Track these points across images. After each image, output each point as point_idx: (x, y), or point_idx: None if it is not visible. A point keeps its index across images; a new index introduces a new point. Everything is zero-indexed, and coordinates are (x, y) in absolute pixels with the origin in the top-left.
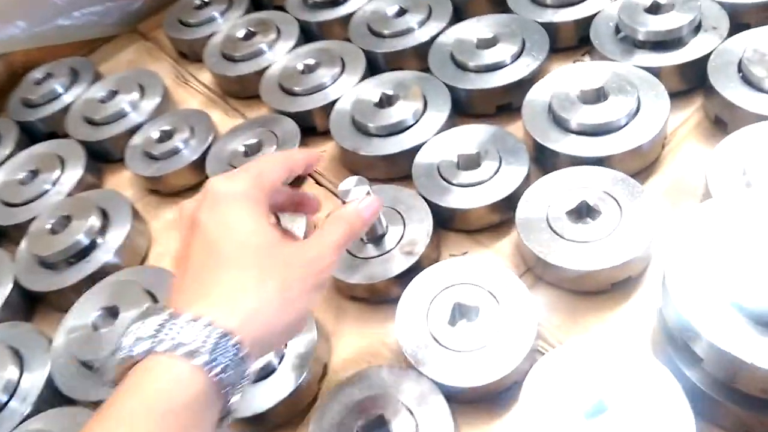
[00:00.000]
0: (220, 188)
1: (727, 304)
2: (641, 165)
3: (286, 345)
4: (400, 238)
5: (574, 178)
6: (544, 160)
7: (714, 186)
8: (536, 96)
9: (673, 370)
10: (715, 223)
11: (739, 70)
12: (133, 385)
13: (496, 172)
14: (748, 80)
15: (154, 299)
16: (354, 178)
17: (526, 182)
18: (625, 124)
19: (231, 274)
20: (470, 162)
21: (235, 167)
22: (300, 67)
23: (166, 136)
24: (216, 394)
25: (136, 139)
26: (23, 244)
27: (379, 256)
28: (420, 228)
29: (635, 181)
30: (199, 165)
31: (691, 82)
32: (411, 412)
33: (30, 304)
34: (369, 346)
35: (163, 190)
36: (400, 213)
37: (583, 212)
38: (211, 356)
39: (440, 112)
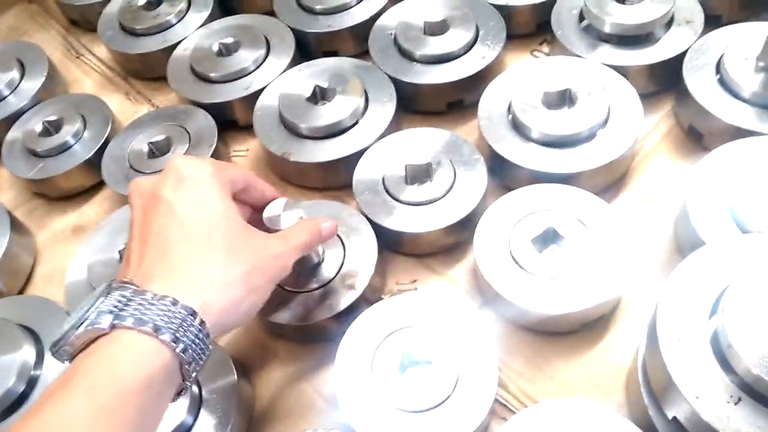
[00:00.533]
0: (186, 168)
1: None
2: (610, 180)
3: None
4: (340, 268)
5: (539, 198)
6: (502, 173)
7: (697, 219)
8: (493, 96)
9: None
10: (711, 275)
11: (717, 72)
12: (97, 356)
13: (450, 189)
14: (727, 86)
15: (36, 339)
16: (281, 201)
17: (485, 200)
18: (595, 135)
19: (199, 254)
20: (420, 174)
21: (138, 171)
22: (216, 47)
23: (52, 128)
24: (177, 370)
25: (15, 132)
26: None
27: (315, 289)
28: (363, 257)
29: (606, 203)
30: (94, 163)
31: (662, 83)
32: None
33: None
34: (300, 397)
35: (50, 194)
36: (339, 237)
37: (549, 239)
38: (175, 334)
39: (384, 110)
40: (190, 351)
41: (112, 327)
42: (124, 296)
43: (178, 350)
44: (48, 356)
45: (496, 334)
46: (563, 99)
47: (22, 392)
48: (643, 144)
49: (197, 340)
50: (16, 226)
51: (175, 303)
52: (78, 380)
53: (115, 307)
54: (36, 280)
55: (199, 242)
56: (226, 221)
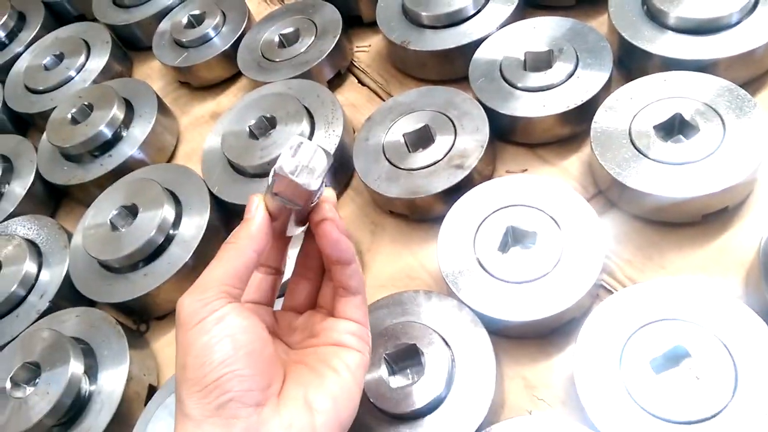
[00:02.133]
0: (183, 312)
1: None
2: (753, 73)
3: None
4: (450, 149)
5: (669, 86)
6: (631, 63)
7: None
8: None
9: None
10: None
11: None
12: None
13: (570, 75)
14: None
15: (176, 199)
16: (294, 143)
17: (607, 89)
18: (738, 22)
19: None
20: (540, 61)
21: (269, 60)
22: None
23: (195, 21)
24: None
25: (164, 25)
26: (45, 134)
27: (424, 167)
28: (473, 139)
29: (746, 92)
30: (231, 55)
31: None
32: (447, 344)
33: (53, 197)
34: (406, 268)
35: (193, 83)
36: (451, 120)
37: (675, 127)
38: None
39: (507, 2)
40: None
41: None
42: None
43: None
44: (185, 217)
45: (608, 222)
46: None
47: (160, 245)
48: None
49: None
50: (162, 109)
51: None
52: None
53: None
54: (178, 156)
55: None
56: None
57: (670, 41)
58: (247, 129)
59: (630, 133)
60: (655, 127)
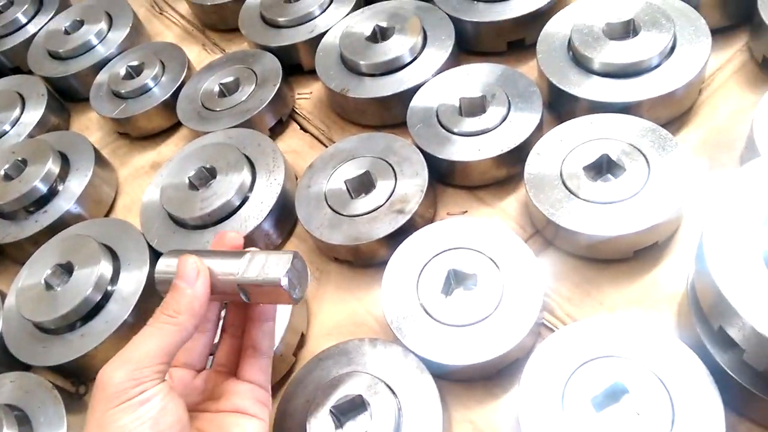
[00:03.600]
0: (97, 383)
1: None
2: (674, 113)
3: None
4: (391, 194)
5: (595, 128)
6: (560, 107)
7: (762, 141)
8: (554, 29)
9: (703, 356)
10: (764, 187)
11: None
12: None
13: (503, 120)
14: None
15: (113, 254)
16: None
17: (539, 132)
18: (658, 65)
19: None
20: (474, 107)
21: (209, 109)
22: None
23: (134, 72)
24: None
25: (102, 76)
26: None
27: (366, 213)
28: (413, 183)
29: (667, 131)
30: (171, 105)
31: (736, 16)
32: (393, 393)
33: None
34: (352, 315)
35: (132, 134)
36: (391, 165)
37: (603, 168)
38: None
39: (442, 48)
40: None
41: None
42: None
43: None
44: (124, 272)
45: (546, 260)
46: (627, 30)
47: (98, 303)
48: (713, 78)
49: None
50: (100, 160)
51: None
52: None
53: None
54: (117, 209)
55: None
56: None
57: (596, 85)
58: (187, 180)
59: (561, 175)
60: (584, 168)
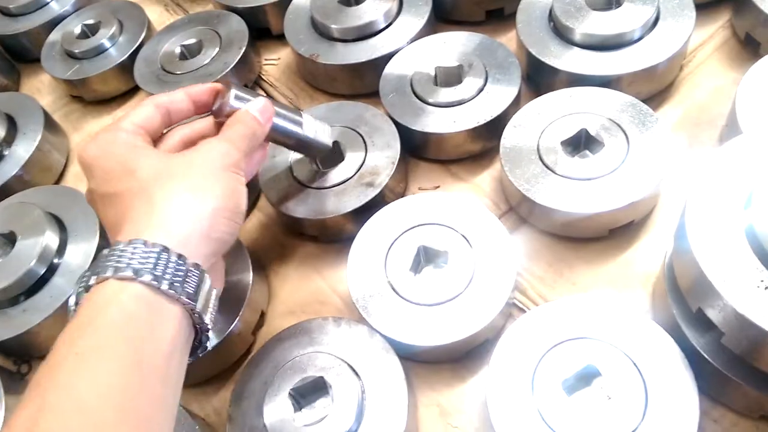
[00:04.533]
0: (104, 129)
1: (761, 265)
2: (654, 88)
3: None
4: (360, 166)
5: (575, 101)
6: (539, 79)
7: (744, 119)
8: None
9: (678, 339)
10: (747, 165)
11: None
12: (89, 309)
13: (480, 91)
14: None
15: (61, 225)
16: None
17: (516, 104)
18: (640, 38)
19: (149, 207)
20: (450, 77)
21: (169, 72)
22: None
23: (90, 31)
24: (168, 304)
25: (55, 35)
26: None
27: (333, 186)
28: (384, 155)
29: (648, 107)
30: (128, 67)
31: None
32: (357, 374)
33: None
34: (317, 292)
35: (86, 97)
36: (361, 135)
37: (581, 143)
38: (154, 272)
39: (418, 15)
40: (175, 284)
41: (105, 279)
42: (112, 251)
43: (162, 286)
44: (71, 244)
45: (519, 238)
46: (610, 0)
47: (42, 276)
48: (694, 54)
49: (179, 273)
50: (50, 125)
51: (146, 245)
52: (92, 330)
53: (107, 260)
54: (68, 177)
55: (129, 192)
56: (159, 165)
57: (576, 57)
58: None
59: (538, 149)
60: (562, 143)
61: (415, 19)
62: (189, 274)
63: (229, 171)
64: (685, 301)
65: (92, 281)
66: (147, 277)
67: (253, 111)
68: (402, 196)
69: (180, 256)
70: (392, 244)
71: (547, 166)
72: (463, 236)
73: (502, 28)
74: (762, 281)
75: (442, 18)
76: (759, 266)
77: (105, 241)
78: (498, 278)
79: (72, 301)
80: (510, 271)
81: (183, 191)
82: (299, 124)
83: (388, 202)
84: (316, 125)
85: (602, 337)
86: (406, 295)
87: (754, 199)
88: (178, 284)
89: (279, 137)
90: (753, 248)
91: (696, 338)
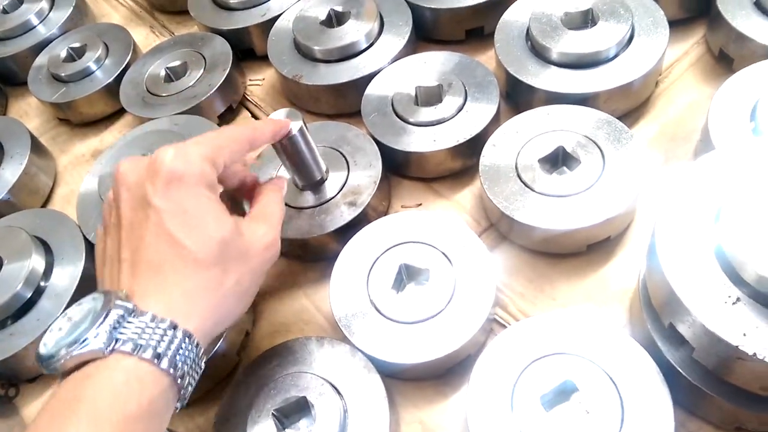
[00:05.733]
0: (174, 167)
1: (729, 281)
2: (631, 105)
3: None
4: (343, 186)
5: (552, 119)
6: (518, 97)
7: (716, 134)
8: (512, 18)
9: (654, 353)
10: (717, 181)
11: None
12: (98, 382)
13: (460, 110)
14: (763, 8)
15: (47, 248)
16: (283, 111)
17: (496, 122)
18: (615, 56)
19: (195, 274)
20: (430, 96)
21: (154, 94)
22: None
23: (76, 54)
24: (175, 394)
25: (42, 58)
26: None
27: (317, 206)
28: (366, 175)
29: (623, 124)
30: (114, 90)
31: (694, 9)
32: (339, 393)
33: None
34: (301, 311)
35: (73, 120)
36: (344, 155)
37: (558, 160)
38: (174, 360)
39: (399, 35)
40: (187, 377)
41: (111, 351)
42: (122, 317)
43: (177, 377)
44: (57, 267)
45: (500, 255)
46: (585, 19)
47: (29, 299)
48: (670, 71)
49: (194, 365)
50: (37, 148)
51: (172, 327)
52: (81, 407)
53: (114, 328)
54: (55, 199)
55: (191, 258)
56: (217, 231)
57: (553, 76)
58: None
59: (516, 167)
60: (539, 161)
61: (396, 38)
62: (191, 353)
63: (268, 266)
64: (659, 316)
65: (90, 347)
66: (149, 353)
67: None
68: (385, 214)
69: (188, 336)
70: (374, 263)
71: (525, 184)
72: (444, 254)
73: (481, 47)
74: (729, 297)
75: (422, 37)
76: (726, 282)
77: (91, 264)
78: (478, 295)
79: (63, 355)
80: (490, 288)
81: (229, 283)
82: (315, 154)
83: (371, 221)
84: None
85: (580, 352)
86: (387, 314)
87: (722, 216)
88: (180, 363)
89: (293, 152)
90: (720, 264)
91: (670, 353)
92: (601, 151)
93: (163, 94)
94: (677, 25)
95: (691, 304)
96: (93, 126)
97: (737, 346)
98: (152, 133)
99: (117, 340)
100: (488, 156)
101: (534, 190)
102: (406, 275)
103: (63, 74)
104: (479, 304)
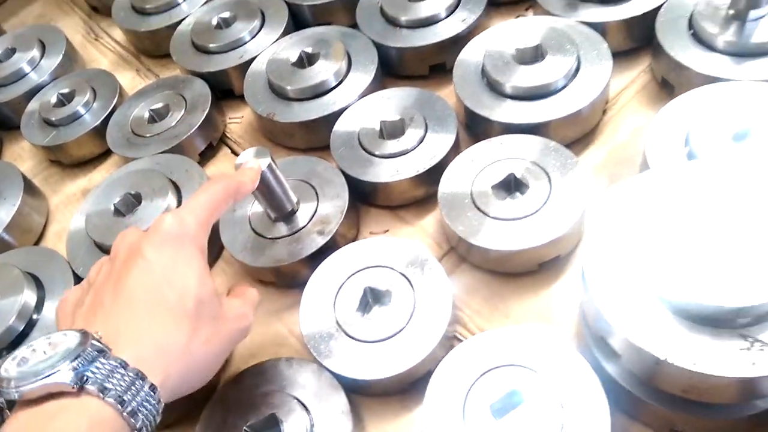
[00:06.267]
0: (171, 228)
1: (652, 295)
2: (580, 132)
3: None
4: (312, 216)
5: (504, 148)
6: (476, 128)
7: (653, 158)
8: (469, 56)
9: (594, 364)
10: (646, 203)
11: (690, 26)
12: (60, 421)
13: (420, 141)
14: (699, 38)
15: (38, 283)
16: (252, 150)
17: (455, 152)
18: (563, 87)
19: (167, 324)
20: (394, 130)
21: (138, 135)
22: (215, 21)
23: (65, 99)
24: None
25: (33, 104)
26: None
27: (288, 235)
28: (334, 205)
29: (569, 151)
30: (102, 131)
31: (639, 39)
32: (307, 410)
33: None
34: (276, 336)
35: (64, 161)
36: (313, 187)
37: (511, 186)
38: (136, 407)
39: (365, 72)
40: (144, 429)
41: (79, 389)
42: (95, 356)
43: (136, 427)
44: (48, 301)
45: (459, 276)
46: (535, 55)
47: (22, 331)
48: (617, 99)
49: (153, 417)
50: (30, 189)
51: (141, 377)
52: None
53: (85, 366)
54: (48, 236)
55: (169, 308)
56: (197, 289)
57: (507, 108)
58: (113, 207)
59: (472, 194)
60: (492, 187)
61: (364, 75)
62: (153, 407)
63: (239, 336)
64: (592, 329)
65: (57, 378)
66: (113, 398)
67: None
68: (354, 241)
69: (153, 389)
70: (341, 287)
71: (479, 209)
72: (406, 277)
73: (444, 82)
74: (649, 310)
75: (389, 73)
76: (647, 296)
77: None
78: (436, 314)
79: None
80: (447, 307)
81: (198, 341)
82: (285, 187)
83: (340, 247)
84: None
85: (528, 364)
86: (353, 334)
87: (643, 240)
88: (141, 415)
89: (263, 186)
90: (641, 282)
91: (608, 364)
92: (548, 176)
93: (147, 135)
94: (625, 54)
95: (612, 319)
96: (82, 166)
97: (651, 353)
98: (135, 173)
99: (87, 379)
100: (446, 185)
101: (488, 215)
102: (371, 297)
103: (54, 119)
104: (437, 323)
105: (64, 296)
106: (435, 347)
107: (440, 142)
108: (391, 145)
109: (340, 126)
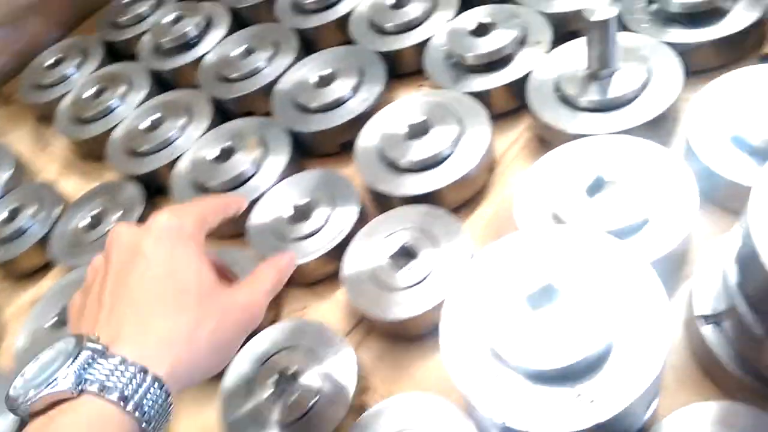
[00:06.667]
0: (168, 224)
1: (495, 357)
2: (471, 192)
3: None
4: None
5: (399, 220)
6: (379, 202)
7: (520, 220)
8: (367, 136)
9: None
10: (503, 266)
11: (556, 89)
12: (57, 425)
13: (327, 221)
14: (563, 98)
15: None
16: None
17: (360, 225)
18: (449, 155)
19: (170, 319)
20: (303, 213)
21: (78, 243)
22: (145, 124)
23: (11, 216)
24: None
25: None
26: None
27: None
28: None
29: (452, 216)
30: (46, 243)
31: (519, 100)
32: None
33: None
34: (204, 427)
35: (14, 274)
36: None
37: (405, 255)
38: (140, 402)
39: (281, 155)
40: (153, 422)
41: (80, 392)
42: (92, 357)
43: (143, 421)
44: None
45: (368, 345)
46: (424, 129)
47: None
48: (503, 157)
49: (161, 410)
50: None
51: (143, 371)
52: None
53: (83, 369)
54: (2, 352)
55: (170, 301)
56: (198, 281)
57: (403, 182)
58: (53, 319)
59: (371, 268)
60: (389, 258)
61: (279, 158)
62: (159, 398)
63: (247, 326)
64: None
65: (59, 387)
66: (115, 396)
67: (289, 257)
68: (274, 322)
69: (158, 381)
70: (259, 371)
71: (378, 284)
72: (316, 354)
73: (349, 160)
74: (497, 375)
75: (304, 153)
76: (492, 362)
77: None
78: (342, 387)
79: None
80: (352, 379)
81: (203, 333)
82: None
83: (263, 329)
84: None
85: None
86: (265, 418)
87: (491, 299)
88: (147, 408)
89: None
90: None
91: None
92: (436, 242)
93: (88, 242)
94: (511, 114)
95: (460, 383)
96: (33, 276)
97: (491, 419)
98: (78, 281)
99: (85, 381)
100: (348, 262)
101: (386, 287)
102: (284, 378)
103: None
104: (343, 396)
105: (70, 303)
106: (342, 420)
107: (344, 218)
108: (301, 228)
109: (255, 215)
